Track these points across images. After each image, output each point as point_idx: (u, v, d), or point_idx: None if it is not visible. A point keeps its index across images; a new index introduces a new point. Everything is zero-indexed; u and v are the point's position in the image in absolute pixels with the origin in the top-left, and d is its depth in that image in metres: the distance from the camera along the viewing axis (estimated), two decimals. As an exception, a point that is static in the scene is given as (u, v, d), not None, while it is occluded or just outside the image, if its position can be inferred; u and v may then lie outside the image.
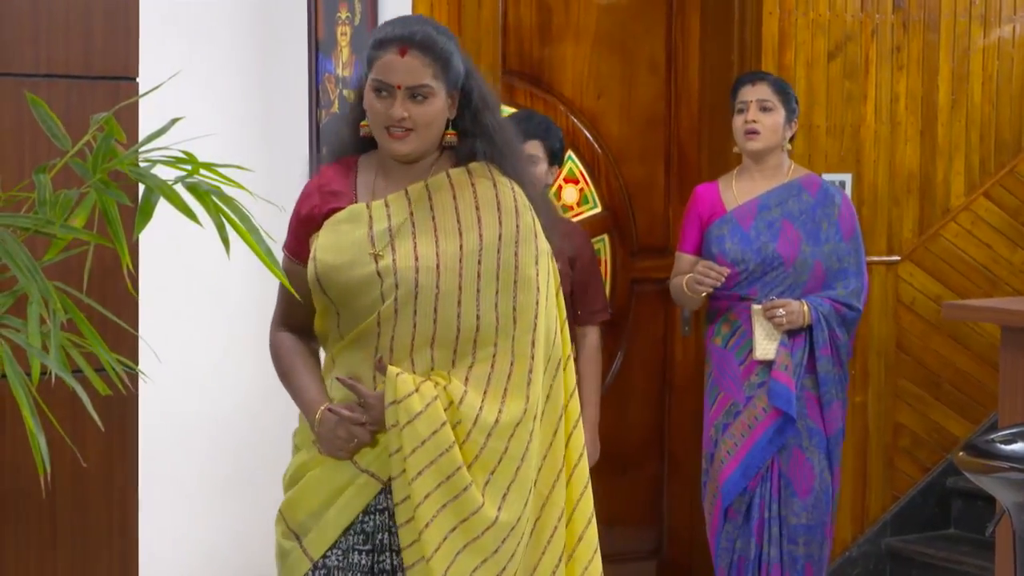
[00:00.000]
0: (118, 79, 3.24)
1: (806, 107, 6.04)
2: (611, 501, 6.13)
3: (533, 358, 3.31)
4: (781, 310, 5.11)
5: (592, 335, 5.20)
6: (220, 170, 2.78)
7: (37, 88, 3.15)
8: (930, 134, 6.38)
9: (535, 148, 5.04)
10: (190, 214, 2.66)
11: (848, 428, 6.11)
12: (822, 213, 5.26)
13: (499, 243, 3.31)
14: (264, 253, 2.74)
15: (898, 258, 6.32)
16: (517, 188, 3.38)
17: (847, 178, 6.17)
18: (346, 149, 3.47)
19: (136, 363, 3.33)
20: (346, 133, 3.48)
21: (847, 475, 6.20)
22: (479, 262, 3.29)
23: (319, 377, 3.44)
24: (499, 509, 3.23)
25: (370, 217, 3.33)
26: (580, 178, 6.00)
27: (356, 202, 3.36)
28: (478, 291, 3.28)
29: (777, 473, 5.21)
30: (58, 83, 3.19)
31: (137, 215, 2.65)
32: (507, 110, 5.58)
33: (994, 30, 6.48)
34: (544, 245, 3.38)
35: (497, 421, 3.25)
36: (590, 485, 3.49)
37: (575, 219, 5.92)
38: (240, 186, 2.83)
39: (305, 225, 3.40)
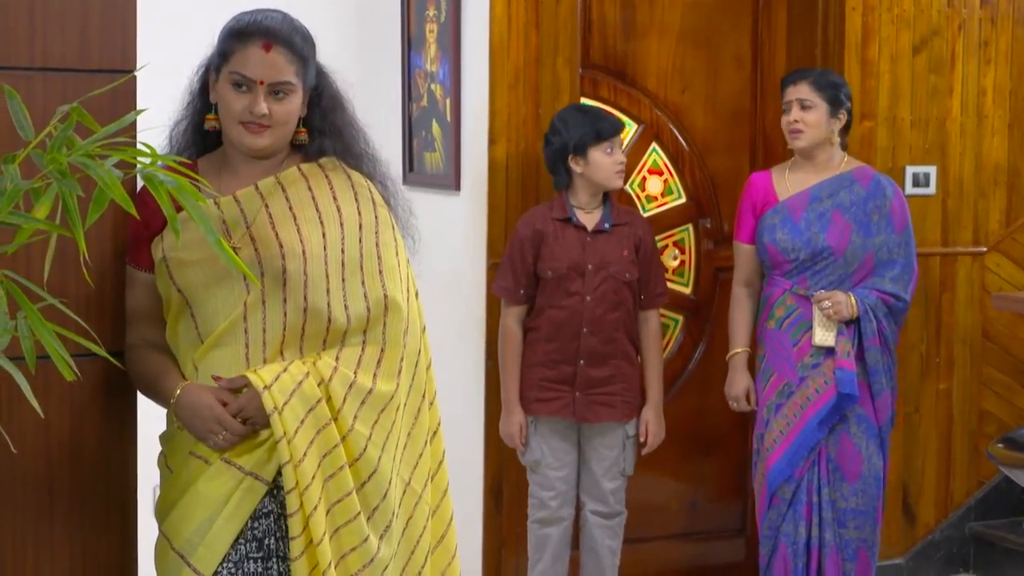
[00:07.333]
0: (115, 72, 3.06)
1: (890, 100, 5.74)
2: (697, 482, 5.90)
3: (406, 347, 3.09)
4: (827, 302, 4.86)
5: (653, 319, 5.08)
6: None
7: (33, 82, 3.01)
8: (1018, 127, 6.01)
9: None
10: (129, 206, 2.53)
11: (932, 414, 5.85)
12: (873, 205, 5.02)
13: (360, 232, 3.08)
14: (215, 243, 2.61)
15: (984, 249, 5.93)
16: (370, 182, 3.18)
17: (932, 170, 5.81)
18: (188, 148, 3.19)
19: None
20: (188, 128, 3.19)
21: (931, 459, 5.90)
22: (343, 251, 3.06)
23: (175, 366, 3.08)
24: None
25: (220, 211, 3.06)
26: (664, 169, 5.73)
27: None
28: (343, 280, 3.04)
29: (825, 458, 4.99)
30: (54, 76, 3.03)
31: (91, 205, 2.54)
32: (587, 103, 5.33)
33: (1085, 24, 6.03)
34: (401, 238, 3.18)
35: (371, 391, 3.01)
36: (449, 491, 3.27)
37: (658, 209, 5.66)
38: (199, 177, 2.73)
39: (144, 230, 3.06)
